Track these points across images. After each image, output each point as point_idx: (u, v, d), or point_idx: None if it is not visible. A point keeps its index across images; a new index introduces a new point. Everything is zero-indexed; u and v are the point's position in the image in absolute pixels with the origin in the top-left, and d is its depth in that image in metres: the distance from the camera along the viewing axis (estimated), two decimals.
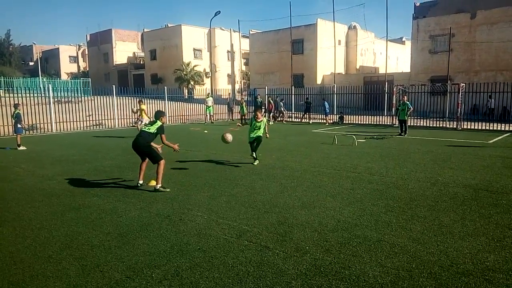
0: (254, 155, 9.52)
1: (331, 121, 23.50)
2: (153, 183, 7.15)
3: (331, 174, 8.31)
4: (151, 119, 8.44)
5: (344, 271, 3.75)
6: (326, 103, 23.41)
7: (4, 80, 40.32)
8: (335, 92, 26.05)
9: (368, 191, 6.80)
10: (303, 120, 24.49)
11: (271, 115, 23.87)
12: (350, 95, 24.69)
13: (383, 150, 11.87)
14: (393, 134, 16.37)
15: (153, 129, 6.84)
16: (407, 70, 34.30)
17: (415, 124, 20.64)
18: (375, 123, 22.36)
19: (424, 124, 20.82)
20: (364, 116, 23.15)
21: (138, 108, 15.41)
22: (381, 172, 8.44)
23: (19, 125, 12.76)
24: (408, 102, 16.57)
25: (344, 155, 10.91)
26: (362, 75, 35.21)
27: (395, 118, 21.60)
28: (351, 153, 11.20)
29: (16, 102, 13.98)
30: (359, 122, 22.86)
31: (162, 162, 6.80)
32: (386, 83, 26.39)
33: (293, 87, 29.43)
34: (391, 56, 39.06)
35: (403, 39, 47.49)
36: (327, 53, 35.79)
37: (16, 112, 12.75)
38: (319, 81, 35.56)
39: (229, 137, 9.39)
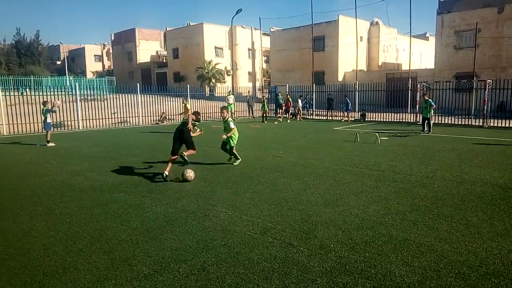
0: (233, 158, 9.30)
1: (353, 118, 23.26)
2: (177, 179, 7.36)
3: (354, 172, 8.25)
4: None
5: (370, 269, 3.73)
6: (348, 100, 23.18)
7: (33, 79, 41.65)
8: (357, 89, 25.74)
9: (393, 190, 6.72)
10: (329, 118, 24.39)
11: (289, 113, 23.76)
12: (372, 92, 24.35)
13: (406, 148, 11.68)
14: (417, 132, 16.07)
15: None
16: (431, 66, 33.54)
17: (439, 122, 20.21)
18: (398, 120, 22.00)
19: (449, 122, 20.36)
20: (387, 114, 22.81)
21: (184, 108, 16.82)
22: (405, 171, 8.32)
23: (48, 121, 13.14)
24: (430, 100, 16.23)
25: (367, 153, 10.80)
26: (385, 71, 34.65)
27: (419, 116, 21.24)
28: (374, 151, 11.07)
29: (45, 100, 14.38)
30: (382, 120, 22.55)
31: (194, 151, 8.08)
32: (410, 79, 25.87)
33: (314, 84, 29.22)
34: (415, 53, 38.25)
35: (427, 35, 46.40)
36: (348, 50, 35.36)
37: (45, 109, 13.13)
38: (340, 78, 35.19)
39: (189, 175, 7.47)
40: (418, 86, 22.70)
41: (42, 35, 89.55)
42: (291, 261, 3.93)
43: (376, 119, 22.80)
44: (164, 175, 7.45)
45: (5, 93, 19.88)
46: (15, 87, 34.30)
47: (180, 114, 17.64)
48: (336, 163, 9.23)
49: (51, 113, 13.21)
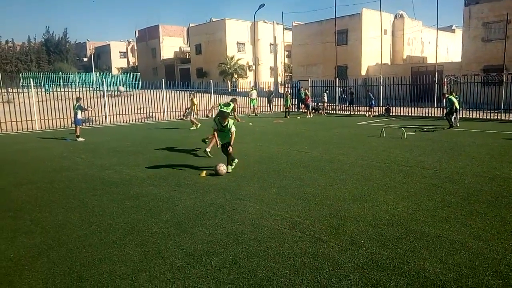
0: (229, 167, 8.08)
1: (377, 113, 22.91)
2: (204, 174, 7.53)
3: (381, 167, 8.14)
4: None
5: (403, 266, 3.69)
6: (371, 94, 22.84)
7: (62, 76, 42.88)
8: (381, 83, 25.31)
9: (422, 186, 6.60)
10: (351, 112, 24.11)
11: (309, 107, 23.55)
12: (397, 86, 23.88)
13: (434, 143, 11.44)
14: (444, 127, 15.70)
15: (229, 109, 8.13)
16: (458, 59, 32.63)
17: (467, 116, 19.69)
18: (423, 115, 21.53)
19: (477, 116, 19.80)
20: (412, 108, 22.35)
21: (191, 103, 17.11)
22: (434, 166, 8.15)
23: (78, 116, 13.50)
24: (451, 97, 15.81)
25: (394, 148, 10.63)
26: (410, 65, 33.95)
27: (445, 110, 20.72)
28: (401, 146, 10.89)
29: (78, 95, 14.76)
30: (407, 114, 22.12)
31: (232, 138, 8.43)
32: (436, 73, 25.24)
33: (337, 79, 28.90)
34: (441, 45, 37.23)
35: (453, 27, 45.12)
36: (372, 43, 34.78)
37: (77, 105, 13.50)
38: (363, 72, 34.70)
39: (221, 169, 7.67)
40: (445, 80, 22.15)
41: (69, 32, 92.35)
42: (321, 256, 3.93)
43: (401, 114, 22.38)
44: (206, 150, 9.36)
45: (36, 90, 20.55)
46: (45, 83, 35.41)
47: (187, 108, 17.89)
48: (362, 158, 9.13)
49: (81, 110, 13.57)
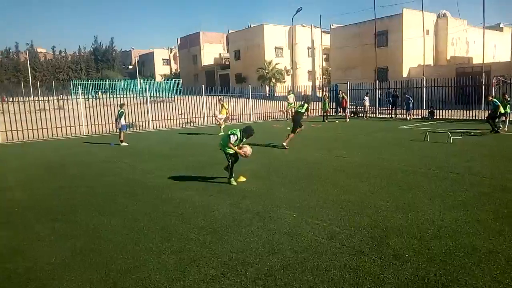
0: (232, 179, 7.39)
1: (420, 116, 22.00)
2: (242, 179, 7.46)
3: (425, 174, 7.73)
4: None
5: (452, 284, 3.41)
6: (409, 97, 21.97)
7: (108, 83, 44.88)
8: (424, 85, 24.31)
9: (472, 194, 6.18)
10: (393, 116, 23.29)
11: (346, 111, 22.92)
12: (441, 88, 22.81)
13: (483, 148, 10.77)
14: (492, 131, 14.76)
15: (303, 109, 9.99)
16: (507, 59, 30.77)
17: None
18: (470, 118, 20.41)
19: None
20: (457, 111, 21.25)
21: (221, 107, 17.03)
22: (484, 173, 7.63)
23: (122, 123, 13.97)
24: (496, 100, 14.82)
25: (439, 153, 10.10)
26: (454, 66, 32.36)
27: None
28: (447, 151, 10.33)
29: (122, 102, 15.28)
30: (451, 117, 21.06)
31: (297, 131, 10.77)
32: (484, 74, 23.90)
33: (377, 81, 28.09)
34: (488, 45, 35.33)
35: (501, 25, 42.68)
36: (413, 44, 33.54)
37: (120, 111, 13.98)
38: (405, 74, 33.51)
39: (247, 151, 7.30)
40: (493, 81, 20.93)
41: (116, 41, 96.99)
42: (362, 271, 3.72)
43: (446, 117, 21.36)
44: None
45: (84, 97, 21.52)
46: (94, 90, 37.17)
47: (217, 116, 17.36)
48: (405, 164, 8.73)
49: (123, 116, 14.01)
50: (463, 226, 4.78)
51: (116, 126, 14.17)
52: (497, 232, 4.57)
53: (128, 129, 17.59)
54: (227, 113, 17.16)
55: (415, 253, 4.05)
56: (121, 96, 22.18)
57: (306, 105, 11.75)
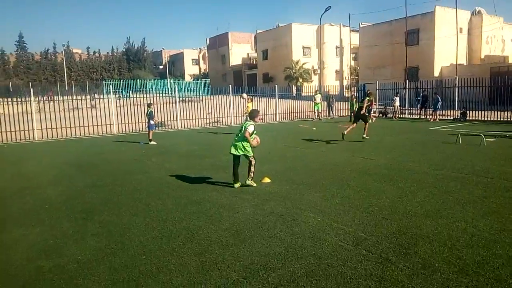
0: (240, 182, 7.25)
1: (452, 118, 21.25)
2: (266, 180, 7.42)
3: (457, 178, 7.42)
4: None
5: None
6: (438, 97, 21.22)
7: (139, 83, 46.02)
8: (457, 84, 23.47)
9: (506, 201, 5.87)
10: (422, 116, 22.58)
11: (371, 112, 22.20)
12: (474, 88, 21.93)
13: None
14: None
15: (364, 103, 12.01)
16: None
17: None
18: (505, 119, 19.52)
19: None
20: (491, 112, 20.37)
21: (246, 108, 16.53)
22: None
23: (151, 122, 14.24)
24: None
25: (471, 156, 9.70)
26: (488, 65, 31.07)
27: None
28: (480, 155, 9.91)
29: (150, 102, 15.60)
30: (485, 119, 20.22)
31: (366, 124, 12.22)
32: None
33: (407, 81, 27.36)
34: None
35: None
36: (446, 43, 32.49)
37: (149, 111, 14.26)
38: (436, 74, 32.50)
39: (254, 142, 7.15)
40: None
41: (147, 42, 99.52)
42: (389, 280, 3.58)
43: (479, 118, 20.53)
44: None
45: (115, 96, 22.09)
46: (123, 90, 38.13)
47: (245, 113, 17.25)
48: (435, 168, 8.42)
49: (152, 117, 14.26)
50: (497, 235, 4.54)
51: (148, 125, 14.45)
52: None
53: (157, 128, 17.90)
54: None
55: (445, 263, 3.87)
56: (151, 95, 22.63)
57: (367, 98, 13.40)
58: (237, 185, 7.19)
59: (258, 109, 7.47)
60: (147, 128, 14.64)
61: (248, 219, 5.41)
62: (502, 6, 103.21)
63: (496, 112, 20.15)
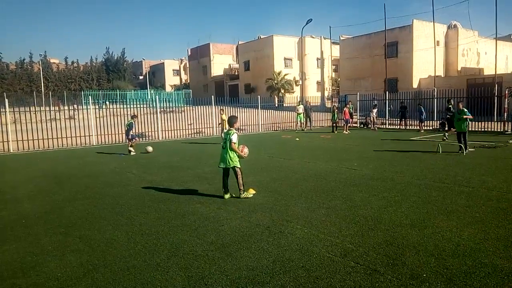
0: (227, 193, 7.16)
1: (430, 128, 21.70)
2: (251, 191, 7.34)
3: (440, 188, 7.52)
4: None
5: None
6: (422, 108, 21.69)
7: (119, 93, 45.40)
8: (435, 96, 24.05)
9: (489, 210, 5.97)
10: (402, 127, 22.93)
11: (347, 123, 22.41)
12: (452, 100, 22.49)
13: (498, 161, 10.51)
14: (506, 142, 14.48)
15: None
16: None
17: None
18: (482, 130, 20.08)
19: None
20: (469, 122, 20.85)
21: (220, 119, 16.99)
22: (501, 187, 7.41)
23: (131, 132, 14.18)
24: None
25: (453, 166, 9.88)
26: (465, 77, 32.04)
27: (507, 124, 19.21)
28: (460, 164, 10.10)
29: (134, 114, 15.45)
30: None
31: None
32: (496, 85, 23.57)
33: (386, 92, 27.89)
34: (499, 56, 34.98)
35: None
36: (424, 55, 33.39)
37: (129, 122, 14.29)
38: (415, 85, 33.28)
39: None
40: (506, 92, 20.61)
41: (127, 52, 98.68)
42: None
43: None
44: None
45: (94, 107, 21.70)
46: (103, 101, 37.55)
47: (219, 124, 17.77)
48: (418, 178, 8.53)
49: (131, 128, 14.22)
50: (482, 244, 4.59)
51: (127, 136, 14.29)
52: None
53: (138, 138, 17.62)
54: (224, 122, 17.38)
55: (433, 273, 3.87)
56: (131, 106, 22.34)
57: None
58: (227, 196, 7.09)
59: (237, 116, 7.37)
60: (127, 140, 14.45)
61: (234, 231, 5.32)
62: (476, 20, 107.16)
63: (473, 123, 20.67)
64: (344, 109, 22.80)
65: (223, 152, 7.00)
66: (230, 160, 6.91)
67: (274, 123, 25.33)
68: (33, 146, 16.78)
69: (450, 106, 18.12)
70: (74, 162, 12.55)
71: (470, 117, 12.59)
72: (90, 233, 5.44)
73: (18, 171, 11.21)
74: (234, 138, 6.89)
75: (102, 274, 4.09)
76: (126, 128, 14.36)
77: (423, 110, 21.52)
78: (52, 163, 12.70)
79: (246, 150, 7.16)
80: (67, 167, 11.57)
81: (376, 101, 25.53)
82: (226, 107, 22.83)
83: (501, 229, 5.10)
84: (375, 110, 23.72)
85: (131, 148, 13.94)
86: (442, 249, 4.47)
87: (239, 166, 7.03)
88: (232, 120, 7.21)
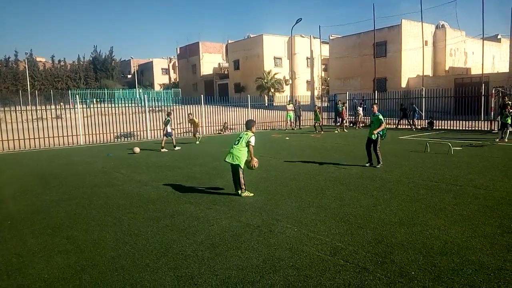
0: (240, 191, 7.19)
1: (419, 127, 21.94)
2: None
3: (428, 186, 7.60)
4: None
5: None
6: (416, 107, 21.95)
7: (107, 92, 44.90)
8: (423, 95, 24.30)
9: (476, 208, 6.05)
10: (398, 127, 23.01)
11: (342, 122, 22.63)
12: (440, 99, 22.81)
13: (485, 160, 10.67)
14: (493, 141, 14.70)
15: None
16: (505, 70, 30.88)
17: None
18: (469, 128, 20.37)
19: None
20: (456, 121, 21.20)
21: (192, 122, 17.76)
22: (487, 185, 7.51)
23: (168, 130, 14.84)
24: None
25: (440, 164, 9.99)
26: (453, 76, 32.47)
27: (493, 123, 19.48)
28: (448, 163, 10.22)
29: (168, 111, 16.61)
30: (451, 128, 21.02)
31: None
32: (483, 84, 23.92)
33: (376, 91, 28.09)
34: (486, 55, 35.51)
35: (499, 37, 42.98)
36: (412, 55, 33.73)
37: (167, 119, 15.03)
38: (403, 85, 33.60)
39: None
40: (493, 92, 20.93)
41: (115, 51, 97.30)
42: None
43: (445, 127, 21.31)
44: None
45: (82, 106, 21.42)
46: (91, 99, 37.12)
47: (191, 130, 18.53)
48: (407, 176, 8.61)
49: (170, 123, 14.97)
50: (469, 241, 4.65)
51: (163, 132, 15.03)
52: (504, 247, 4.44)
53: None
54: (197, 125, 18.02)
55: (421, 270, 3.90)
56: (119, 105, 22.11)
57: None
58: (241, 192, 7.12)
59: (254, 120, 7.51)
60: (163, 136, 15.03)
61: (223, 231, 5.30)
62: (464, 20, 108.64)
63: (461, 121, 20.97)
64: (343, 107, 23.00)
65: (233, 149, 7.05)
66: (237, 158, 6.98)
67: (264, 122, 25.33)
68: (19, 146, 16.52)
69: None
70: (61, 162, 12.39)
71: (383, 127, 9.81)
72: (78, 234, 5.37)
73: (3, 172, 11.02)
74: (253, 140, 7.01)
75: (90, 275, 4.04)
76: (164, 125, 15.00)
77: (417, 109, 21.77)
78: (38, 163, 12.52)
79: (256, 164, 7.17)
80: (54, 167, 11.42)
81: (362, 100, 25.71)
82: (217, 106, 22.78)
83: (487, 226, 5.17)
84: (361, 108, 23.87)
85: (175, 144, 14.74)
86: (430, 246, 4.52)
87: (242, 167, 7.05)
88: (250, 124, 7.42)
